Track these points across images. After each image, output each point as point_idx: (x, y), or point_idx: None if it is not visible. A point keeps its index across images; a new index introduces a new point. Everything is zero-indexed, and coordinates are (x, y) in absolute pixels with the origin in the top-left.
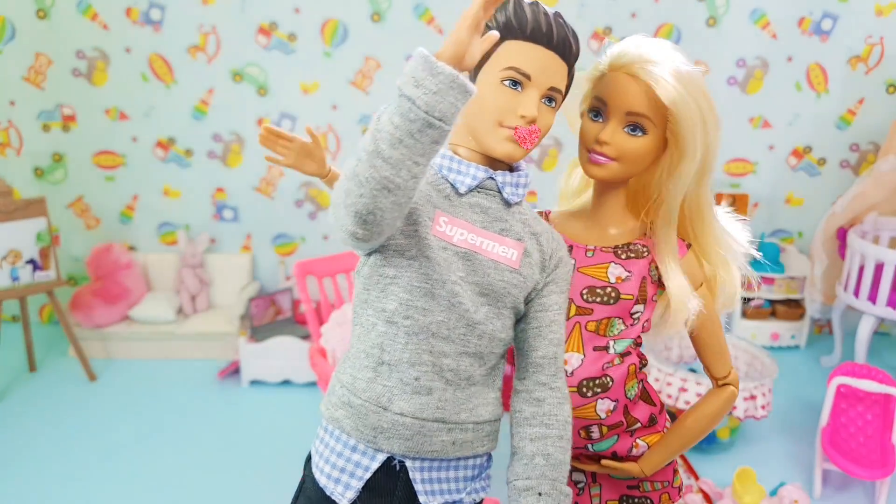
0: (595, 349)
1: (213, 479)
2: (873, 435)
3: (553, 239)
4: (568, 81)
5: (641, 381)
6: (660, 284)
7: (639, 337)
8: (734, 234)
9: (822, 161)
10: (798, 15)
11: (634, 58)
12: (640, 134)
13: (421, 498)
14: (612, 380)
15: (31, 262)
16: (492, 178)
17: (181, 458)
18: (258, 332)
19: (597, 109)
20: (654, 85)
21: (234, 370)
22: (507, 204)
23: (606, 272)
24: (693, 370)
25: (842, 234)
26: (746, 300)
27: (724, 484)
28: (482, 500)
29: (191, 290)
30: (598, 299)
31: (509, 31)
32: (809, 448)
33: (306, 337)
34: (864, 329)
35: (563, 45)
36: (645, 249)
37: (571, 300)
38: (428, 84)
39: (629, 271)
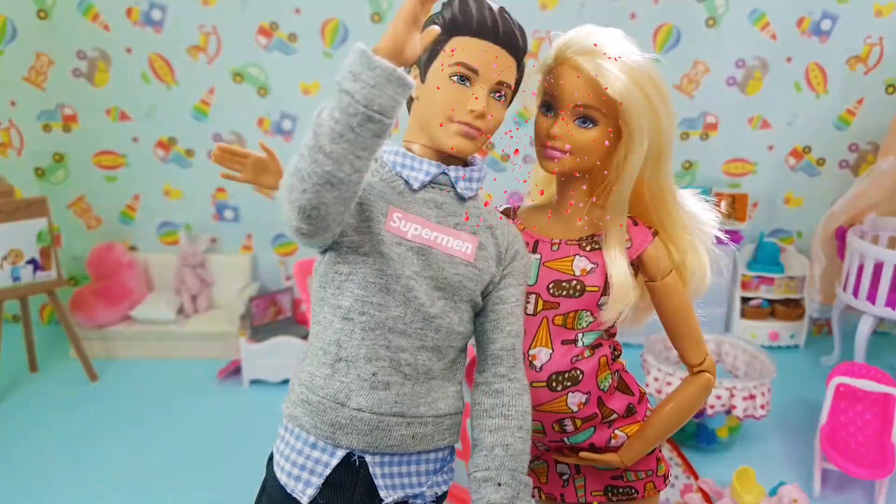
0: (563, 343)
1: (214, 479)
2: (872, 435)
3: (509, 232)
4: (518, 76)
5: (617, 371)
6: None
7: (612, 327)
8: (700, 217)
9: (821, 161)
10: (797, 15)
11: (579, 49)
12: (590, 126)
13: (381, 492)
14: (581, 373)
15: (32, 262)
16: (445, 174)
17: (182, 457)
18: (258, 332)
19: (547, 104)
20: (598, 76)
21: (234, 370)
22: (462, 198)
23: (571, 265)
24: None
25: (841, 234)
26: (746, 300)
27: (723, 483)
28: (445, 492)
29: (191, 290)
30: (564, 293)
31: (456, 27)
32: (809, 448)
33: (306, 337)
34: (864, 329)
35: (510, 39)
36: None
37: (538, 295)
38: (366, 78)
39: (594, 263)
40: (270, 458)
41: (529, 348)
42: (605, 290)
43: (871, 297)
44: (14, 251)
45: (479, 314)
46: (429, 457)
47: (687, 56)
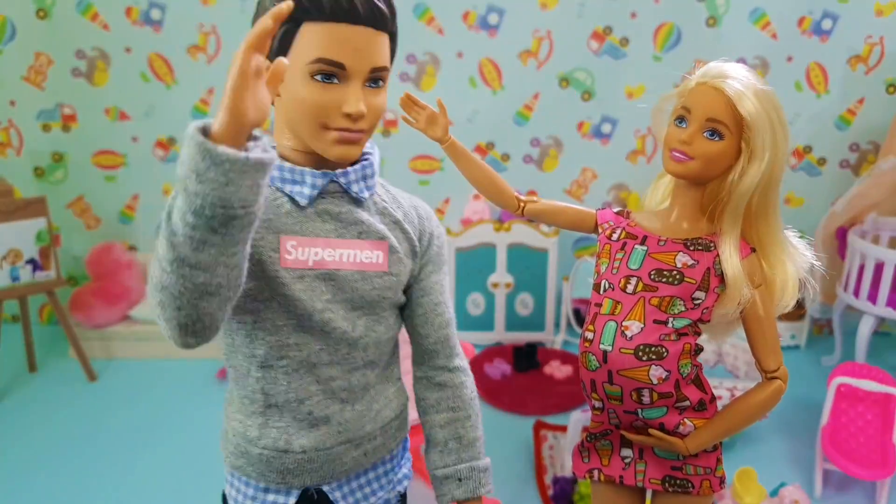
0: (655, 322)
1: (213, 479)
2: (874, 435)
3: (418, 216)
4: (392, 47)
5: (696, 367)
6: (722, 279)
7: (698, 324)
8: (795, 242)
9: (822, 161)
10: (798, 15)
11: (718, 73)
12: (717, 139)
13: None
14: (666, 351)
15: (31, 261)
16: (334, 181)
17: (181, 457)
18: None
19: (682, 117)
20: (734, 97)
21: None
22: (359, 202)
23: (674, 259)
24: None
25: (841, 234)
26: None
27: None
28: (406, 487)
29: None
30: (664, 280)
31: (304, 13)
32: (810, 448)
33: None
34: (865, 329)
35: (374, 14)
36: (712, 244)
37: (640, 278)
38: (213, 176)
39: (695, 260)
40: (224, 499)
41: (624, 319)
42: (701, 285)
43: (872, 297)
44: (13, 251)
45: (404, 307)
46: (384, 459)
47: (687, 55)
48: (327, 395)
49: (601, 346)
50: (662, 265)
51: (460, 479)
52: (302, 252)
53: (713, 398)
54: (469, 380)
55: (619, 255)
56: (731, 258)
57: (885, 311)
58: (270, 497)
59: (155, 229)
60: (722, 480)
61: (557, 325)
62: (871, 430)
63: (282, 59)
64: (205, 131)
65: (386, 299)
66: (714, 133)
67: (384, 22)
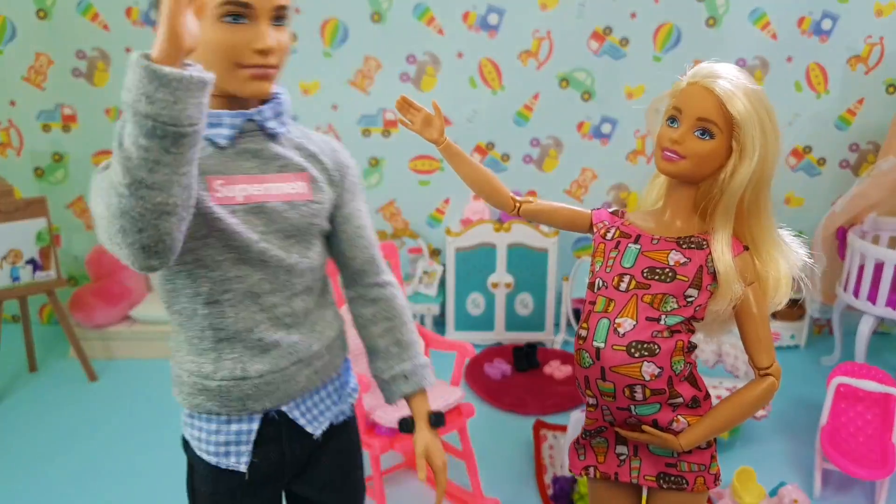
0: (647, 319)
1: None
2: (873, 435)
3: (332, 150)
4: None
5: (690, 364)
6: (714, 277)
7: (691, 321)
8: (788, 240)
9: (821, 161)
10: (798, 15)
11: (709, 73)
12: (708, 138)
13: (308, 429)
14: (658, 347)
15: (32, 261)
16: (250, 120)
17: (181, 457)
18: None
19: (673, 117)
20: (723, 96)
21: None
22: (275, 137)
23: (667, 257)
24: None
25: (841, 234)
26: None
27: (724, 484)
28: (356, 393)
29: None
30: (657, 277)
31: None
32: (809, 448)
33: None
34: (864, 329)
35: None
36: (704, 242)
37: (633, 276)
38: (162, 96)
39: (688, 258)
40: (185, 443)
41: (617, 316)
42: (693, 282)
43: (872, 297)
44: (13, 251)
45: (329, 236)
46: (333, 378)
47: (687, 56)
48: (273, 321)
49: (594, 343)
50: (655, 263)
51: (406, 377)
52: (230, 189)
53: (707, 395)
54: (398, 291)
55: (613, 254)
56: (723, 256)
57: (885, 311)
58: (234, 427)
59: (103, 167)
60: (717, 477)
61: (557, 325)
62: (870, 429)
63: None
64: (146, 58)
65: (314, 226)
66: (705, 132)
67: None
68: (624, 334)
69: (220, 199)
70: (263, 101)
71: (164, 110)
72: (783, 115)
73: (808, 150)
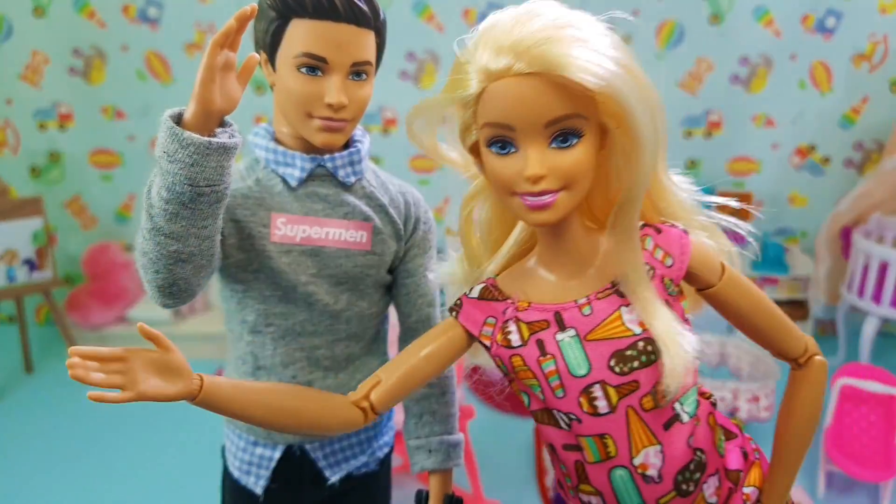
0: (667, 428)
1: (213, 477)
2: (877, 436)
3: (405, 203)
4: (379, 41)
5: (722, 427)
6: (681, 293)
7: (695, 374)
8: (687, 189)
9: (826, 160)
10: (802, 12)
11: (520, 50)
12: (574, 141)
13: (326, 473)
14: (703, 452)
15: (28, 261)
16: (321, 165)
17: (180, 457)
18: None
19: (499, 140)
20: (564, 72)
21: None
22: (346, 185)
23: (623, 323)
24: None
25: (846, 234)
26: None
27: None
28: (388, 454)
29: None
30: (636, 363)
31: (291, 11)
32: (812, 449)
33: None
34: (869, 329)
35: (355, 12)
36: (651, 269)
37: (604, 382)
38: (181, 157)
39: None
40: (223, 449)
41: (632, 458)
42: None
43: (876, 298)
44: (9, 251)
45: (391, 287)
46: (367, 428)
47: (690, 53)
48: (311, 362)
49: None
50: (617, 343)
51: (430, 451)
52: (291, 228)
53: (741, 431)
54: None
55: (547, 366)
56: (658, 315)
57: (890, 312)
58: (258, 451)
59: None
60: None
61: None
62: (874, 431)
63: (254, 55)
64: (178, 117)
65: (369, 276)
66: (566, 137)
67: (366, 19)
68: (660, 475)
69: (280, 238)
70: (341, 149)
71: (182, 170)
72: (788, 114)
73: (811, 148)
